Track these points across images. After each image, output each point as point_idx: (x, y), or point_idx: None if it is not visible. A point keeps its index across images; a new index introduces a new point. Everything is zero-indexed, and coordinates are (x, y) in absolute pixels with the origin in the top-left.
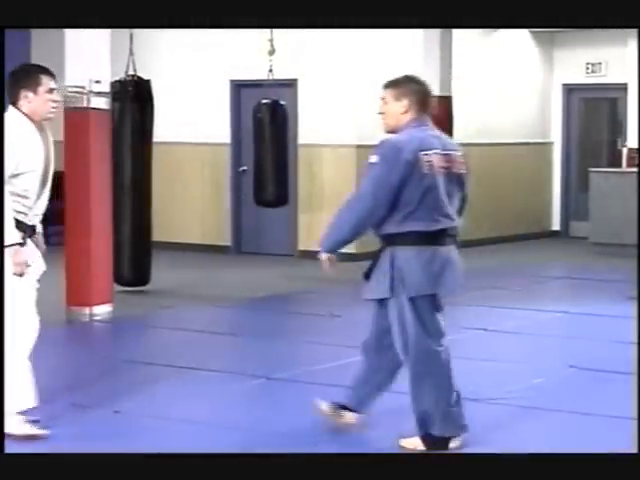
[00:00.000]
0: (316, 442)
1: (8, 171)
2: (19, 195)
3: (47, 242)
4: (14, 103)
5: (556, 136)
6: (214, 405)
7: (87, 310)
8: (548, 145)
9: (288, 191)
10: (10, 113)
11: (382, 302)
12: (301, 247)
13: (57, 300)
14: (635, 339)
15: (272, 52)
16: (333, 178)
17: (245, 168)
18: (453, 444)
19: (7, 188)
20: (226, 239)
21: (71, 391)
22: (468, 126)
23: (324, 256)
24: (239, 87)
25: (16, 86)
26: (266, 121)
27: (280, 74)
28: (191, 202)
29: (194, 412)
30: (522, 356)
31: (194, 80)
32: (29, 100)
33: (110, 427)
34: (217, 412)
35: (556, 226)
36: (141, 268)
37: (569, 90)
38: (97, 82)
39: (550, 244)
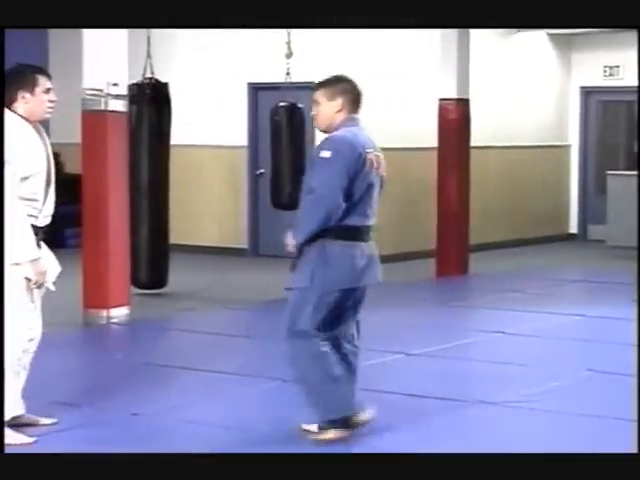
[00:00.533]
0: (332, 444)
1: (8, 173)
2: (28, 199)
3: (65, 244)
4: (9, 105)
5: (574, 139)
6: (230, 407)
7: (104, 313)
8: (565, 148)
9: None
10: (7, 116)
11: None
12: None
13: (74, 302)
14: (635, 341)
15: (289, 55)
16: None
17: (262, 171)
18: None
19: (16, 193)
20: (243, 242)
21: (88, 393)
22: (485, 129)
23: (290, 242)
24: (256, 90)
25: (12, 87)
26: (283, 124)
27: (297, 77)
28: (208, 205)
29: (211, 414)
30: (539, 359)
31: (211, 83)
32: (26, 101)
33: (128, 429)
34: (234, 414)
35: (573, 229)
36: (158, 271)
37: (587, 93)
38: (115, 85)
39: (567, 247)
